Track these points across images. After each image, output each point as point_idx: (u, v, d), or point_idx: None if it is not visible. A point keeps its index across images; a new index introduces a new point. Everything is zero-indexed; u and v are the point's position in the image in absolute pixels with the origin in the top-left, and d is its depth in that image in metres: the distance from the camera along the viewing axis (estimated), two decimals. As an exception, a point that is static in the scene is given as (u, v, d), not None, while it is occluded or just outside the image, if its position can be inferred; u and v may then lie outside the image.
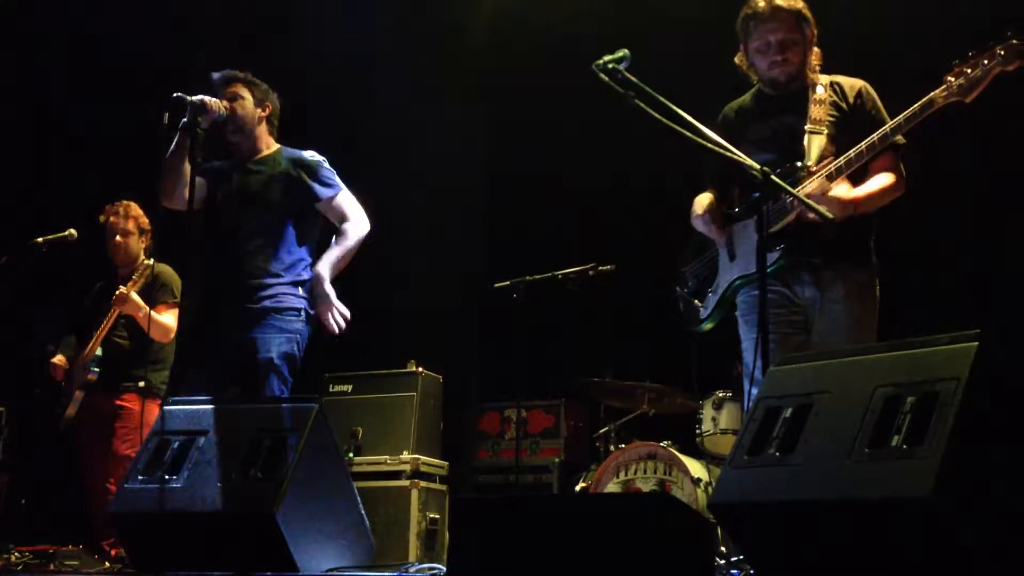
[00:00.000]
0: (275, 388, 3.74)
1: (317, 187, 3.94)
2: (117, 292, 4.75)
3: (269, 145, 4.05)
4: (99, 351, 4.85)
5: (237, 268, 3.84)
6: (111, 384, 4.89)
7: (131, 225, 5.04)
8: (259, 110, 4.02)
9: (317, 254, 3.98)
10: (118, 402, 4.88)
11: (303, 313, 3.88)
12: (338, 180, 4.01)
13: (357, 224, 3.98)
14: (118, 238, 5.04)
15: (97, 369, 4.84)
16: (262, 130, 4.04)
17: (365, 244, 4.04)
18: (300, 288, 3.90)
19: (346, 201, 3.99)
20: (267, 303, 3.82)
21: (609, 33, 5.84)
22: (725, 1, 3.81)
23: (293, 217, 3.92)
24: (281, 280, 3.85)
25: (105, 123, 6.19)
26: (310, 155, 4.00)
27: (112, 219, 5.05)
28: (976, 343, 2.10)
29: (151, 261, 4.87)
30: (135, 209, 5.07)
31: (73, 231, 4.97)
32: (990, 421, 2.13)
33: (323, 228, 4.07)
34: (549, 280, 5.21)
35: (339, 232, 3.98)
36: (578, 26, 6.14)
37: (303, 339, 3.88)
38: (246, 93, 3.99)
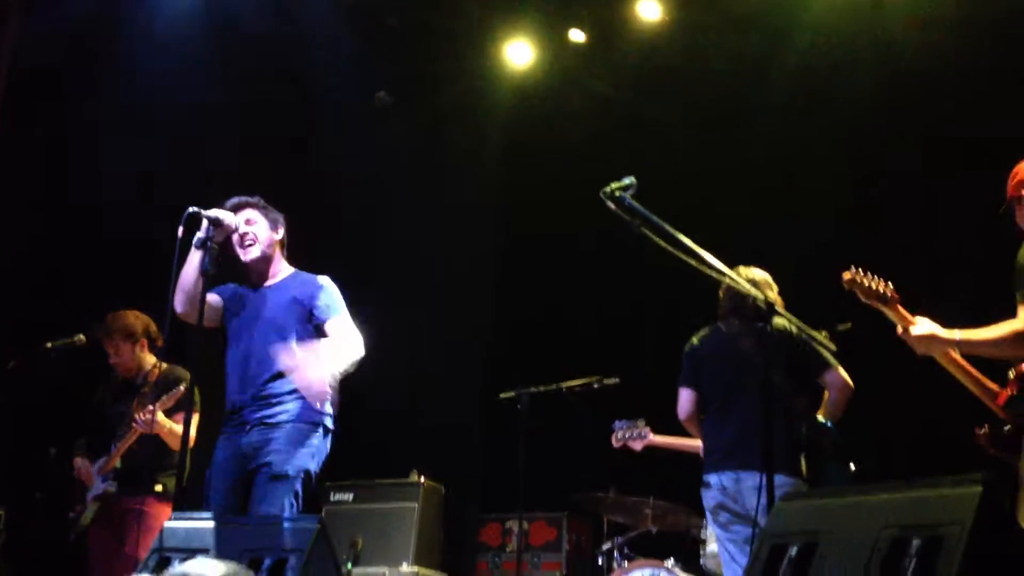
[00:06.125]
0: (285, 505, 3.73)
1: (318, 312, 3.98)
2: (144, 415, 4.65)
3: (283, 268, 4.12)
4: (118, 464, 4.82)
5: (255, 388, 3.89)
6: (130, 490, 4.81)
7: (120, 343, 4.96)
8: (272, 233, 4.10)
9: None
10: (137, 507, 4.75)
11: (321, 428, 3.90)
12: (339, 305, 4.02)
13: (342, 343, 3.92)
14: (112, 359, 5.01)
15: (115, 483, 4.81)
16: (277, 254, 4.12)
17: (368, 356, 4.06)
18: (318, 403, 3.92)
19: (341, 325, 3.98)
20: (285, 417, 3.85)
21: (619, 151, 6.03)
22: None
23: (306, 338, 3.97)
24: (299, 396, 3.88)
25: (115, 228, 6.29)
26: (323, 281, 4.05)
27: (102, 340, 4.99)
28: (980, 487, 2.10)
29: (163, 366, 4.86)
30: (120, 320, 4.99)
31: (82, 336, 4.99)
32: (996, 565, 2.11)
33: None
34: (553, 392, 5.22)
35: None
36: (593, 145, 6.32)
37: (320, 455, 3.90)
38: (260, 217, 4.08)
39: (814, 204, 5.89)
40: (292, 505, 3.73)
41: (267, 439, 3.82)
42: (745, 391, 4.09)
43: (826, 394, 4.12)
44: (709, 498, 4.16)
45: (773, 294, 4.15)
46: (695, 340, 4.40)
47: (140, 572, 3.17)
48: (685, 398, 4.36)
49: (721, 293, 4.29)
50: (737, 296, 4.11)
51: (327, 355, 3.85)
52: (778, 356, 3.89)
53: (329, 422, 3.95)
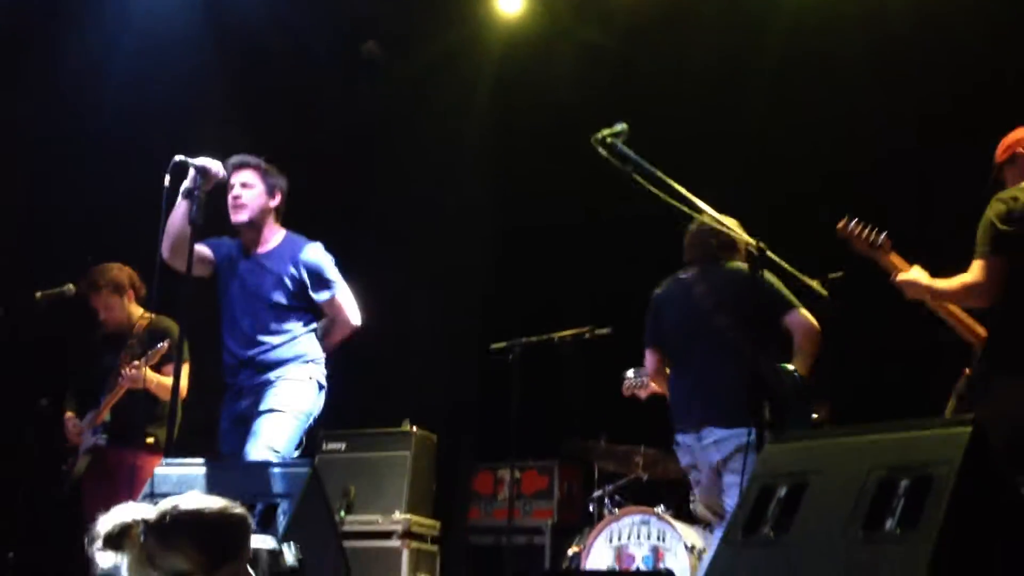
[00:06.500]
0: (273, 433, 3.77)
1: (313, 290, 4.00)
2: (130, 371, 4.65)
3: (275, 234, 4.08)
4: (107, 417, 4.82)
5: (247, 359, 3.93)
6: (121, 443, 4.79)
7: (109, 298, 4.94)
8: (269, 199, 4.05)
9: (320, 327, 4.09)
10: (129, 460, 4.76)
11: (315, 383, 3.95)
12: (336, 280, 4.03)
13: (344, 325, 4.05)
14: (102, 315, 4.99)
15: (105, 435, 4.81)
16: (269, 220, 4.07)
17: (362, 306, 4.10)
18: (311, 364, 3.96)
19: (340, 301, 4.03)
20: (276, 378, 3.91)
21: (614, 99, 5.98)
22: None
23: (296, 308, 4.00)
24: (291, 360, 3.93)
25: (105, 178, 6.22)
26: (312, 255, 4.02)
27: (89, 295, 4.97)
28: (970, 427, 2.11)
29: (150, 317, 4.84)
30: (107, 274, 4.96)
31: (71, 286, 4.96)
32: (983, 506, 2.13)
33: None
34: (545, 342, 5.22)
35: (327, 326, 4.05)
36: (587, 92, 6.27)
37: (314, 407, 3.96)
38: (257, 181, 4.03)
39: (807, 156, 5.85)
40: (283, 435, 3.76)
41: (260, 397, 3.88)
42: (700, 340, 3.92)
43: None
44: (680, 456, 4.07)
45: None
46: (654, 294, 4.24)
47: None
48: (649, 356, 4.23)
49: (686, 239, 4.09)
50: (704, 243, 3.95)
51: (338, 336, 4.09)
52: (730, 298, 3.77)
53: (322, 378, 4.00)
